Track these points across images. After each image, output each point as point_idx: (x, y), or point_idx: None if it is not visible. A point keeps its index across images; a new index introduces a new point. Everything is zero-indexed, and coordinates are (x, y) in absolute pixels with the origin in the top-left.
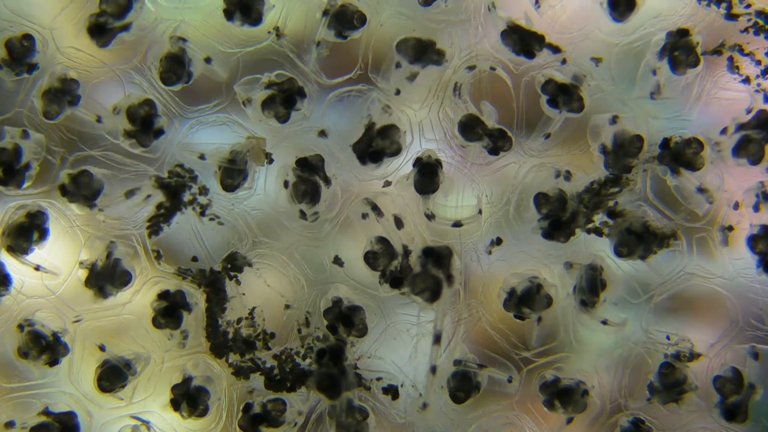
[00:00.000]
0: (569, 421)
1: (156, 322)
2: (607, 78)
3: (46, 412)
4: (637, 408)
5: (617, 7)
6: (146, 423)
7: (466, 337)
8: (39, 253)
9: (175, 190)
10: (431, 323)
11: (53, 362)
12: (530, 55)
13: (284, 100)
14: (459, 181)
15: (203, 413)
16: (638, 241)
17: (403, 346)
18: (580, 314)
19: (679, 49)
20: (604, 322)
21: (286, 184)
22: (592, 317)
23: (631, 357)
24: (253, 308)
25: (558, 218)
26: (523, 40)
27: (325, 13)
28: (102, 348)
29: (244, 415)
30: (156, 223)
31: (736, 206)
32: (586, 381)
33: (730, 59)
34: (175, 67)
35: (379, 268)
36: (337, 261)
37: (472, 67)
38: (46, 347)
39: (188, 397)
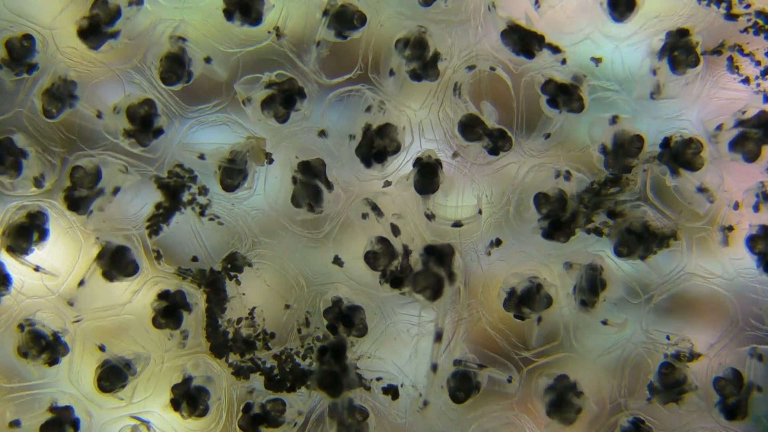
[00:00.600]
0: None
1: (156, 322)
2: (608, 78)
3: (53, 408)
4: (637, 408)
5: (617, 7)
6: (146, 423)
7: (466, 337)
8: (39, 254)
9: (175, 190)
10: (431, 323)
11: (53, 362)
12: (530, 55)
13: (284, 100)
14: (459, 181)
15: (203, 413)
16: (638, 241)
17: (403, 346)
18: (581, 314)
19: (679, 49)
20: (604, 322)
21: (294, 180)
22: (592, 317)
23: (631, 357)
24: (253, 308)
25: (558, 218)
26: (523, 40)
27: (325, 13)
28: (102, 348)
29: (244, 415)
30: (155, 223)
31: (736, 206)
32: (582, 384)
33: (730, 59)
34: (175, 67)
35: (379, 268)
36: (337, 261)
37: (472, 67)
38: (46, 347)
39: (188, 397)
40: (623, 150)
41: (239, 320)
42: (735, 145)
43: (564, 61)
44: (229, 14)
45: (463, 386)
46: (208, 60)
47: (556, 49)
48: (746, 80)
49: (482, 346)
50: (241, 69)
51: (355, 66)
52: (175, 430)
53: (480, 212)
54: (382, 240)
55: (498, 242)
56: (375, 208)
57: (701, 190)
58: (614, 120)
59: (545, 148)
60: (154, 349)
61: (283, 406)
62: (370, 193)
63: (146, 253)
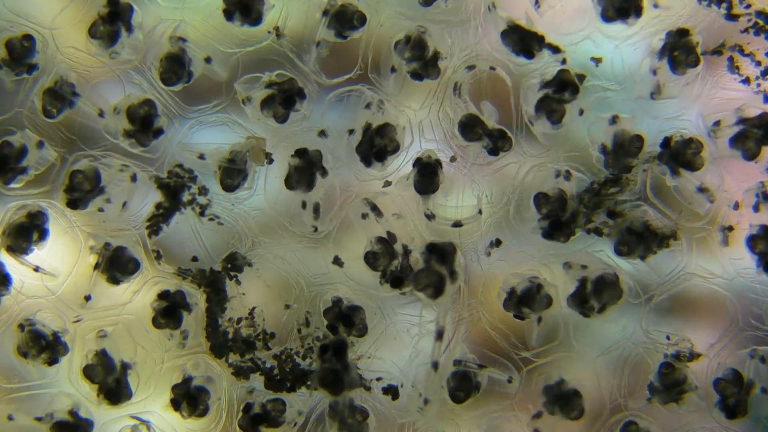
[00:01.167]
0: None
1: (156, 322)
2: (608, 78)
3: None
4: (637, 408)
5: (609, 14)
6: (146, 423)
7: (466, 337)
8: (39, 254)
9: (174, 190)
10: (431, 323)
11: (52, 362)
12: (530, 55)
13: (284, 100)
14: (459, 181)
15: (203, 413)
16: (638, 240)
17: (403, 346)
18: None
19: (679, 49)
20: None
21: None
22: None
23: (631, 357)
24: (253, 308)
25: (558, 218)
26: (523, 40)
27: (325, 13)
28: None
29: (244, 415)
30: (155, 223)
31: (736, 206)
32: (582, 384)
33: (730, 59)
34: (175, 67)
35: (379, 269)
36: (337, 261)
37: (471, 67)
38: (45, 347)
39: (188, 397)
40: (623, 150)
41: (239, 320)
42: (735, 142)
43: (564, 61)
44: (229, 14)
45: (463, 386)
46: (208, 60)
47: (556, 49)
48: (746, 80)
49: (482, 346)
50: (241, 69)
51: (355, 66)
52: (175, 430)
53: (480, 212)
54: (382, 240)
55: (498, 243)
56: (375, 208)
57: (701, 190)
58: (614, 120)
59: (545, 149)
60: (154, 349)
61: (283, 406)
62: (370, 193)
63: (146, 253)
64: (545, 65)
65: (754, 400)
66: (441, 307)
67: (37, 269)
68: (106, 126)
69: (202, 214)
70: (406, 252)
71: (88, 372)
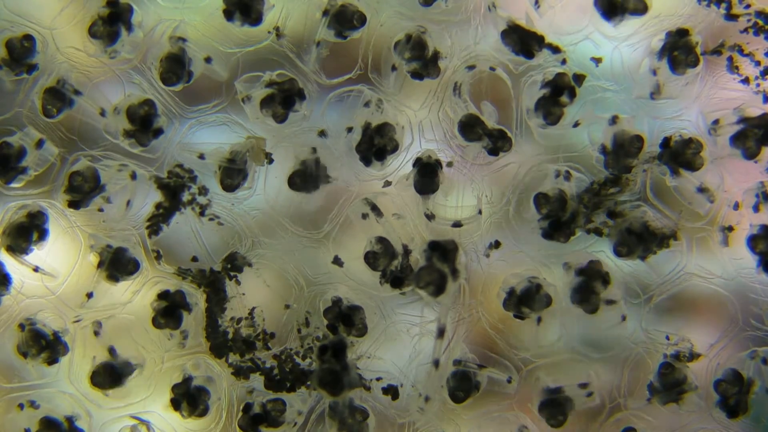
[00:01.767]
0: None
1: (156, 322)
2: (607, 78)
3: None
4: (637, 408)
5: (611, 12)
6: (146, 423)
7: (466, 337)
8: (39, 254)
9: (174, 190)
10: (431, 323)
11: (52, 361)
12: (530, 55)
13: (283, 100)
14: (459, 181)
15: (203, 413)
16: (638, 241)
17: (403, 346)
18: (580, 314)
19: (679, 49)
20: (624, 318)
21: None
22: (594, 319)
23: (631, 357)
24: (253, 308)
25: (558, 218)
26: (523, 40)
27: (325, 13)
28: (112, 351)
29: (244, 415)
30: (155, 223)
31: (736, 206)
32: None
33: (730, 59)
34: (175, 67)
35: (379, 269)
36: (337, 261)
37: (472, 67)
38: (45, 346)
39: (188, 397)
40: (623, 150)
41: (239, 320)
42: (736, 140)
43: (564, 61)
44: (229, 14)
45: (462, 386)
46: (208, 60)
47: (556, 49)
48: (746, 80)
49: (482, 346)
50: (241, 69)
51: (355, 66)
52: (175, 430)
53: (480, 212)
54: (382, 240)
55: (497, 244)
56: (375, 208)
57: (701, 190)
58: (614, 120)
59: (545, 149)
60: (154, 349)
61: (283, 406)
62: (370, 193)
63: (146, 253)
64: (549, 63)
65: (754, 399)
66: (442, 305)
67: (36, 269)
68: (106, 126)
69: (202, 214)
70: (406, 252)
71: (95, 379)
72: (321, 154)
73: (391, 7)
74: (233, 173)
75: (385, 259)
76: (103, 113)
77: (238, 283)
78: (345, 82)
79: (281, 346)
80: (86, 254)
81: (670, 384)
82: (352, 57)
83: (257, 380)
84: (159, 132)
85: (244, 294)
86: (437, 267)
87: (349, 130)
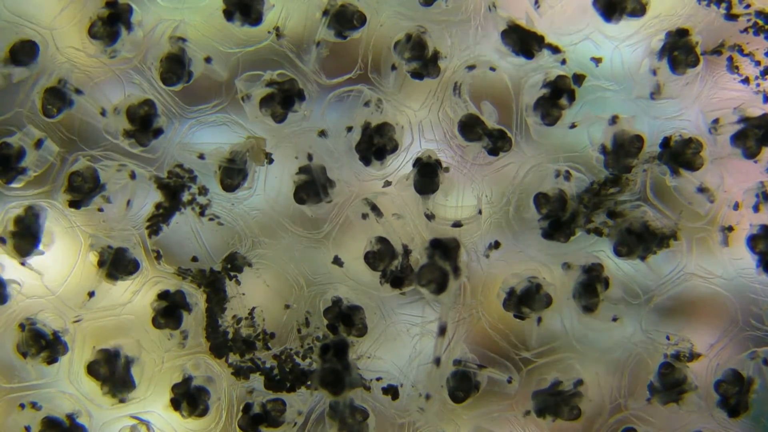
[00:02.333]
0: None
1: (156, 322)
2: (607, 78)
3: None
4: (637, 408)
5: (611, 12)
6: (146, 423)
7: (466, 337)
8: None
9: (174, 190)
10: (432, 323)
11: (52, 361)
12: (529, 55)
13: (283, 99)
14: (459, 181)
15: (203, 413)
16: (638, 241)
17: (403, 346)
18: (580, 314)
19: (679, 49)
20: (615, 319)
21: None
22: (594, 320)
23: (631, 357)
24: (253, 308)
25: (558, 218)
26: (523, 40)
27: (325, 13)
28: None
29: (244, 415)
30: (155, 223)
31: (736, 206)
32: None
33: (730, 59)
34: (175, 67)
35: (379, 269)
36: (337, 261)
37: (471, 67)
38: (45, 346)
39: (188, 397)
40: (623, 150)
41: (239, 320)
42: (736, 140)
43: (564, 61)
44: (229, 14)
45: (462, 386)
46: (208, 60)
47: (556, 49)
48: (746, 80)
49: (482, 346)
50: (240, 69)
51: (355, 66)
52: (175, 430)
53: (480, 212)
54: (382, 240)
55: (497, 245)
56: (374, 208)
57: (701, 190)
58: (614, 120)
59: (545, 149)
60: (154, 349)
61: (283, 406)
62: (370, 193)
63: (146, 253)
64: (549, 63)
65: (754, 399)
66: (444, 302)
67: (23, 264)
68: (106, 125)
69: (202, 214)
70: (406, 252)
71: (92, 368)
72: (321, 157)
73: (391, 7)
74: (233, 173)
75: (385, 259)
76: (103, 113)
77: (238, 283)
78: (345, 82)
79: (281, 346)
80: (86, 254)
81: (670, 384)
82: (352, 57)
83: (257, 380)
84: (159, 132)
85: (244, 294)
86: (439, 265)
87: (349, 129)
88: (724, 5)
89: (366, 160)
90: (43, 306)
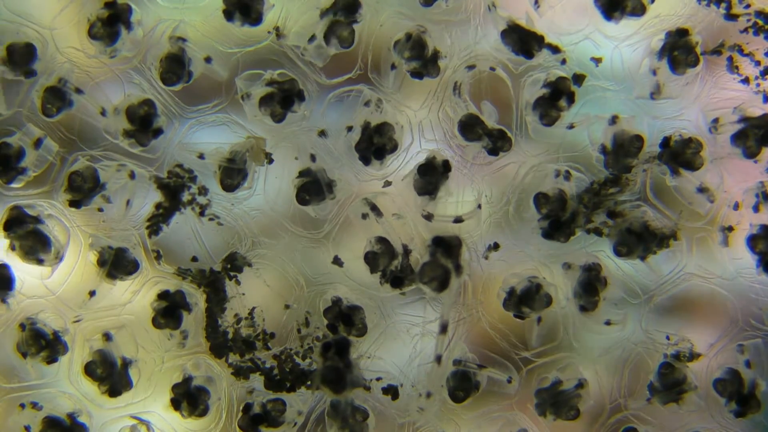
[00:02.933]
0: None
1: (156, 322)
2: (607, 78)
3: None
4: (637, 408)
5: (611, 11)
6: (146, 423)
7: (466, 337)
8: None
9: (174, 190)
10: (432, 323)
11: (51, 360)
12: (529, 55)
13: (282, 99)
14: (459, 181)
15: (203, 413)
16: (638, 241)
17: (403, 346)
18: (581, 315)
19: (679, 49)
20: (608, 323)
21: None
22: (593, 320)
23: (631, 357)
24: (253, 308)
25: (558, 218)
26: (523, 40)
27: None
28: (108, 336)
29: (244, 415)
30: (155, 224)
31: (736, 206)
32: (583, 383)
33: (730, 59)
34: (175, 67)
35: (379, 269)
36: (337, 261)
37: (471, 67)
38: (45, 346)
39: (188, 397)
40: (623, 150)
41: (239, 320)
42: (736, 139)
43: (564, 61)
44: (229, 15)
45: (462, 386)
46: (208, 60)
47: (556, 49)
48: (746, 80)
49: (482, 346)
50: (240, 69)
51: (355, 66)
52: (175, 430)
53: (479, 207)
54: (382, 240)
55: (496, 246)
56: (374, 208)
57: (701, 190)
58: (614, 120)
59: (545, 149)
60: (154, 349)
61: (283, 406)
62: (369, 193)
63: (146, 253)
64: (549, 63)
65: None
66: (446, 300)
67: (13, 248)
68: (106, 125)
69: (202, 214)
70: (406, 252)
71: (89, 369)
72: (321, 157)
73: (391, 7)
74: (233, 173)
75: (385, 259)
76: (103, 113)
77: (238, 283)
78: (345, 82)
79: (281, 346)
80: (86, 254)
81: (670, 384)
82: (352, 57)
83: (257, 380)
84: (158, 132)
85: (244, 294)
86: (441, 262)
87: (349, 129)
88: (724, 5)
89: (365, 160)
90: (43, 306)
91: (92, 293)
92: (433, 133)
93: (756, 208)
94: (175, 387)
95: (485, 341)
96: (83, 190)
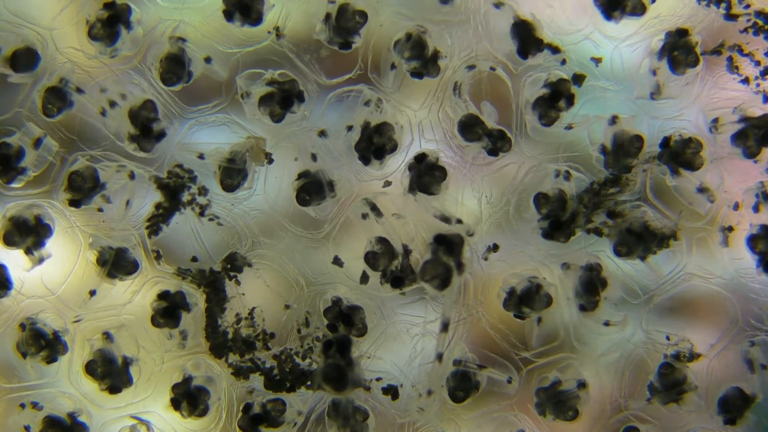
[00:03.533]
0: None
1: (155, 322)
2: (608, 78)
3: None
4: (637, 408)
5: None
6: (146, 423)
7: (466, 337)
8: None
9: (174, 190)
10: (432, 323)
11: (51, 360)
12: (524, 56)
13: (282, 99)
14: (459, 181)
15: (203, 413)
16: (638, 241)
17: (403, 346)
18: (581, 316)
19: (679, 49)
20: (606, 324)
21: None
22: (593, 320)
23: (631, 357)
24: (253, 308)
25: (558, 218)
26: (524, 40)
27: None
28: (108, 336)
29: (244, 415)
30: (155, 224)
31: (736, 206)
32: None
33: (730, 59)
34: (175, 67)
35: (379, 269)
36: (337, 261)
37: (471, 67)
38: (45, 345)
39: (188, 397)
40: (623, 150)
41: (239, 320)
42: (737, 139)
43: (564, 62)
44: (229, 15)
45: (462, 386)
46: (208, 60)
47: (556, 49)
48: (746, 80)
49: (482, 346)
50: (240, 69)
51: (355, 66)
52: (175, 430)
53: (459, 221)
54: (382, 240)
55: (495, 247)
56: (374, 208)
57: (701, 190)
58: (614, 120)
59: (545, 149)
60: (154, 349)
61: (283, 406)
62: (370, 193)
63: (146, 253)
64: (549, 63)
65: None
66: (447, 298)
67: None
68: (106, 124)
69: (201, 214)
70: (407, 252)
71: (90, 367)
72: (322, 157)
73: (390, 7)
74: (233, 173)
75: (385, 259)
76: (103, 113)
77: (238, 283)
78: (345, 82)
79: (281, 346)
80: (86, 254)
81: (670, 384)
82: (352, 57)
83: (257, 380)
84: (162, 135)
85: (244, 294)
86: (443, 260)
87: (349, 128)
88: (723, 5)
89: (365, 160)
90: (43, 306)
91: (93, 293)
92: (433, 133)
93: (756, 208)
94: (175, 387)
95: (485, 341)
96: (83, 189)
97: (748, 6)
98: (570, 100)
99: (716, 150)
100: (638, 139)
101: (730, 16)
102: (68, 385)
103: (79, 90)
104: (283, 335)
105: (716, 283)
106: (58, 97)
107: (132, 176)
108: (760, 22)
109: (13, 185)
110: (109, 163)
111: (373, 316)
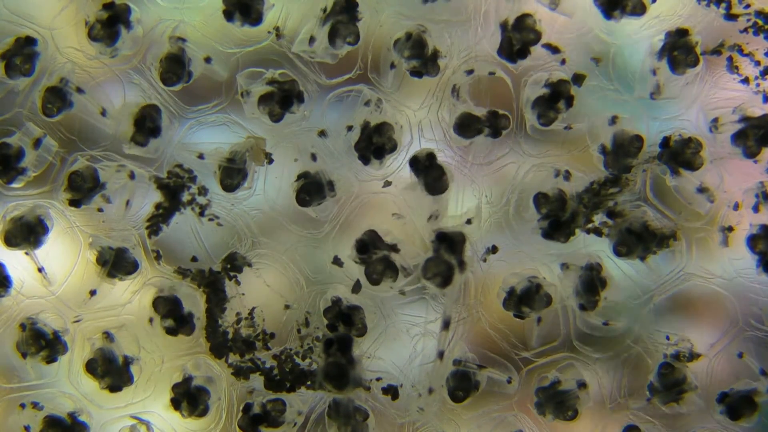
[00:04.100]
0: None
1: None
2: (608, 78)
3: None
4: (637, 408)
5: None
6: (146, 423)
7: (466, 337)
8: (38, 253)
9: (174, 190)
10: (432, 323)
11: (51, 360)
12: (512, 59)
13: (282, 99)
14: (459, 181)
15: (203, 413)
16: (638, 241)
17: (403, 346)
18: (580, 315)
19: (679, 49)
20: (606, 324)
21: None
22: (594, 320)
23: (631, 357)
24: (253, 308)
25: (558, 218)
26: (521, 41)
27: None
28: (109, 335)
29: (244, 415)
30: (155, 224)
31: (736, 206)
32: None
33: (730, 59)
34: (175, 67)
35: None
36: (337, 261)
37: (470, 72)
38: (45, 345)
39: (188, 397)
40: (623, 150)
41: (239, 320)
42: (737, 139)
43: (564, 62)
44: (229, 15)
45: (462, 385)
46: (208, 60)
47: (555, 49)
48: (746, 80)
49: (482, 346)
50: (240, 69)
51: (354, 66)
52: (175, 430)
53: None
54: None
55: (494, 249)
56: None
57: (701, 190)
58: (614, 120)
59: (544, 149)
60: (154, 349)
61: (283, 406)
62: (369, 193)
63: (146, 253)
64: (551, 62)
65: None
66: (448, 296)
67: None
68: (107, 125)
69: (201, 214)
70: (395, 249)
71: (90, 366)
72: (322, 158)
73: (391, 7)
74: (233, 173)
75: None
76: (104, 113)
77: (238, 283)
78: (345, 82)
79: (281, 346)
80: (86, 254)
81: (670, 384)
82: (352, 57)
83: (257, 380)
84: (157, 131)
85: (243, 294)
86: (444, 258)
87: (349, 128)
88: (723, 5)
89: (365, 159)
90: (44, 306)
91: (93, 293)
92: (433, 133)
93: (756, 208)
94: (175, 387)
95: (485, 341)
96: (83, 189)
97: (748, 6)
98: (569, 102)
99: (716, 150)
100: (638, 139)
101: (730, 16)
102: (68, 385)
103: (79, 90)
104: (283, 335)
105: (716, 283)
106: (58, 97)
107: (132, 176)
108: (760, 22)
109: (13, 185)
110: (108, 163)
111: (373, 316)
